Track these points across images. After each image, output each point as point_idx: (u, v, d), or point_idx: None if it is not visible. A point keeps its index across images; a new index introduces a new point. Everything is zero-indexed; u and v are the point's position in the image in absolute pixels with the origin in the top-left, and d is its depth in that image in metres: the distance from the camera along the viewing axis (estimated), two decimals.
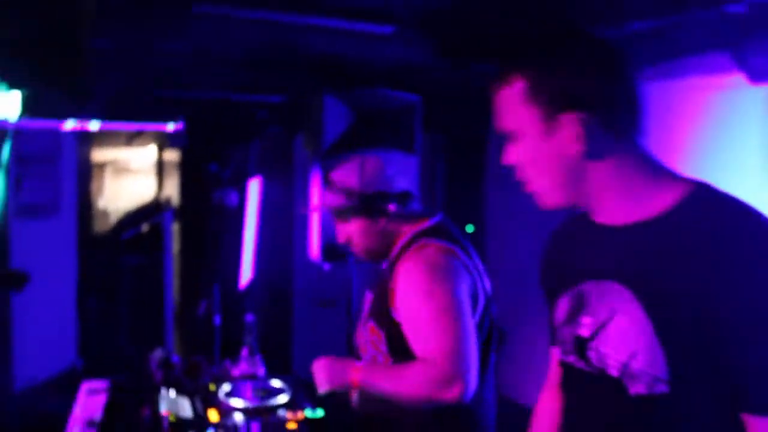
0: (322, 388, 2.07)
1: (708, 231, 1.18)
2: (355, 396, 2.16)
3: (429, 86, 3.95)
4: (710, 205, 1.22)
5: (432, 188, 4.46)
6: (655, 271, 1.21)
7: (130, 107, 3.92)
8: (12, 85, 2.94)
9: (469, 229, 4.43)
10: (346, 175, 2.18)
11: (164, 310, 5.53)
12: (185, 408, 2.39)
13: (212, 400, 2.44)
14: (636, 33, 2.99)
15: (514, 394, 4.11)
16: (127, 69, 3.53)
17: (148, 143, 6.76)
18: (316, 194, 3.57)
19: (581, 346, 1.34)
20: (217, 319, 3.28)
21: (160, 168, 6.98)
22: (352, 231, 2.21)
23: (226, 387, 2.53)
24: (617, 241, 1.31)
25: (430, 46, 3.69)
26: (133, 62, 3.47)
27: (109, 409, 2.44)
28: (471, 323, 1.95)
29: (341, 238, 2.27)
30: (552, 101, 1.29)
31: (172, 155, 6.41)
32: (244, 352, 2.80)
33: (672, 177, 1.30)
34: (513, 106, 1.33)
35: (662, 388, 1.20)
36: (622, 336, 1.25)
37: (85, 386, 2.87)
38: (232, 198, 3.75)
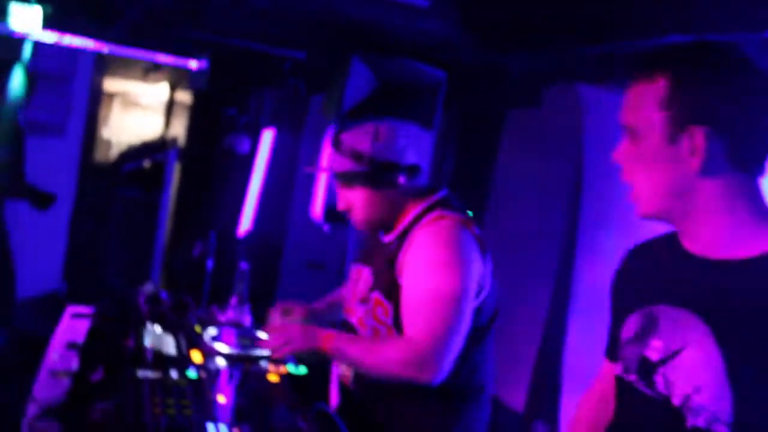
0: (289, 348, 2.07)
1: None
2: (348, 373, 2.17)
3: (453, 66, 3.91)
4: None
5: (440, 166, 4.43)
6: (739, 313, 1.18)
7: (153, 38, 3.88)
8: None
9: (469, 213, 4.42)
10: (359, 138, 2.12)
11: (154, 247, 5.52)
12: (169, 344, 2.39)
13: (196, 342, 2.44)
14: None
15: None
16: None
17: (162, 80, 6.71)
18: (326, 155, 3.54)
19: (648, 368, 1.31)
20: (210, 264, 3.27)
21: (170, 106, 6.94)
22: (355, 199, 2.16)
23: (212, 331, 2.52)
24: (704, 273, 1.27)
25: (465, 24, 3.65)
26: None
27: (92, 334, 2.43)
28: (467, 312, 1.94)
29: (341, 204, 2.21)
30: (686, 110, 1.24)
31: (182, 96, 6.36)
32: (234, 299, 2.79)
33: None
34: (647, 103, 1.29)
35: (721, 429, 1.17)
36: (691, 368, 1.22)
37: (70, 310, 2.86)
38: (245, 145, 3.71)
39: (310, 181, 4.22)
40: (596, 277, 3.69)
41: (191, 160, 5.30)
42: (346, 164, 2.12)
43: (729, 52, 1.26)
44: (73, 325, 2.67)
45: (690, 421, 1.21)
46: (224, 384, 2.10)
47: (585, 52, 3.52)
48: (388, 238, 2.19)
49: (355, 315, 2.20)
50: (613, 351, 1.48)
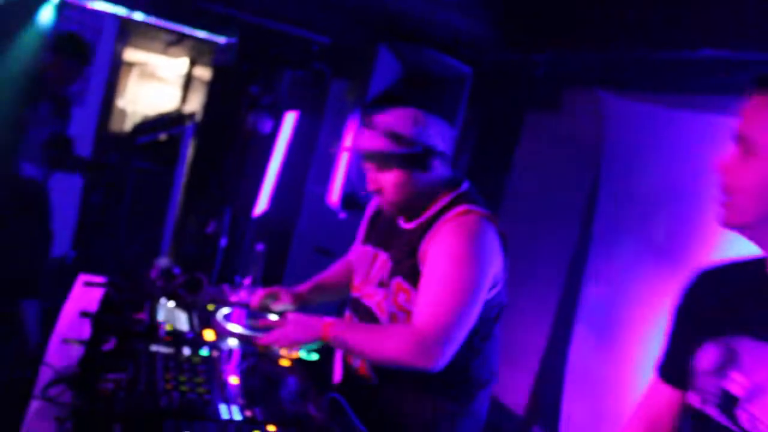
0: (292, 342, 2.10)
1: None
2: (364, 365, 2.19)
3: (477, 62, 3.89)
4: None
5: (457, 160, 4.41)
6: None
7: (182, 10, 3.85)
8: None
9: None
10: (397, 120, 2.14)
11: (165, 220, 5.51)
12: (182, 321, 2.38)
13: (209, 320, 2.43)
14: None
15: None
16: None
17: (181, 55, 6.69)
18: (356, 136, 3.51)
19: (731, 402, 1.27)
20: (223, 242, 3.26)
21: (187, 81, 6.92)
22: (387, 180, 2.17)
23: (225, 310, 2.51)
24: None
25: (492, 21, 3.63)
26: None
27: (105, 305, 2.42)
28: (477, 307, 1.99)
29: (372, 185, 2.23)
30: None
31: (200, 71, 6.34)
32: (247, 280, 2.78)
33: None
34: None
35: None
36: None
37: (82, 278, 2.85)
38: (267, 125, 3.69)
39: (325, 165, 4.20)
40: (607, 286, 3.67)
41: (208, 135, 5.28)
42: (382, 144, 2.14)
43: None
44: (84, 293, 2.66)
45: None
46: (236, 365, 2.09)
47: (609, 57, 3.50)
48: (410, 225, 2.21)
49: (373, 299, 2.24)
50: (675, 375, 1.45)
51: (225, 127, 4.54)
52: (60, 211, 4.53)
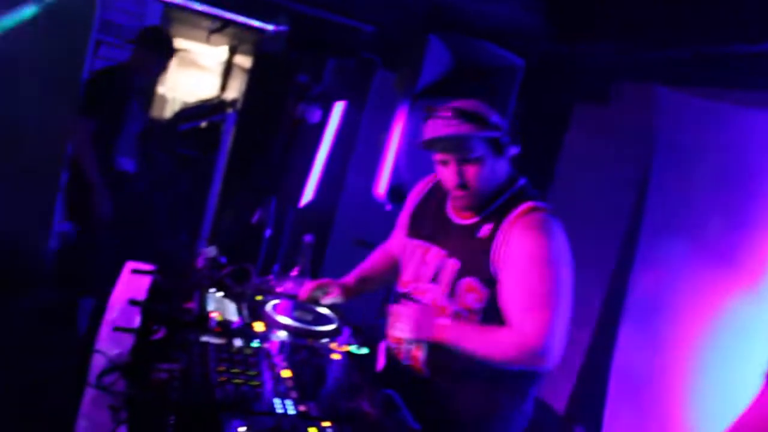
0: (406, 335, 2.10)
1: None
2: (418, 353, 2.15)
3: (527, 54, 3.82)
4: None
5: None
6: None
7: None
8: None
9: None
10: (474, 106, 2.10)
11: (205, 209, 5.51)
12: (231, 311, 2.35)
13: (258, 311, 2.40)
14: None
15: None
16: None
17: (222, 43, 6.69)
18: (398, 129, 3.46)
19: None
20: (268, 232, 3.23)
21: (228, 69, 6.91)
22: (473, 170, 2.10)
23: (273, 301, 2.48)
24: None
25: (543, 12, 3.56)
26: None
27: (153, 293, 2.40)
28: (571, 302, 2.02)
29: (453, 179, 2.14)
30: None
31: (241, 59, 6.33)
32: (295, 271, 2.75)
33: None
34: None
35: None
36: None
37: (129, 265, 2.84)
38: (316, 115, 3.66)
39: (366, 156, 4.15)
40: (655, 284, 3.58)
41: (249, 123, 5.26)
42: (467, 128, 2.08)
43: None
44: (132, 281, 2.65)
45: None
46: (288, 358, 2.06)
47: (665, 52, 3.41)
48: (467, 220, 2.17)
49: (427, 295, 2.21)
50: None
51: (268, 116, 4.51)
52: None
